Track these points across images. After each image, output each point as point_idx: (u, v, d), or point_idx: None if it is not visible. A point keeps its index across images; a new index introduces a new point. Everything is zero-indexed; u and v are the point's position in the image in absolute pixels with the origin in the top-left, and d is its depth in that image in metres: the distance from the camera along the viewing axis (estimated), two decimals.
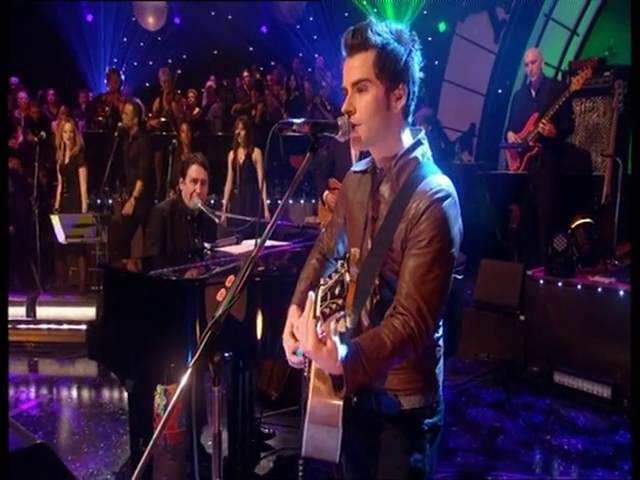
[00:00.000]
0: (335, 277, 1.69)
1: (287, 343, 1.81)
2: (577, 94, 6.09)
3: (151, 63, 10.65)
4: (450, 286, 1.66)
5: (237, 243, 3.60)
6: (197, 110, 9.04)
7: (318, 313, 1.61)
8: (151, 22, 9.97)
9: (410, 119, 1.75)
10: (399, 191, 1.69)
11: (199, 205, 3.72)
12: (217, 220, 3.77)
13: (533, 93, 5.82)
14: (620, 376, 4.51)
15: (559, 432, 4.15)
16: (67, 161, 6.92)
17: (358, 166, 1.90)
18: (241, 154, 6.55)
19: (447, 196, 1.64)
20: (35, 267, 6.99)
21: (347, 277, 1.71)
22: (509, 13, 8.41)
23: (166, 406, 4.11)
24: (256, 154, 6.49)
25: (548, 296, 5.01)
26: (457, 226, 1.67)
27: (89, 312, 5.65)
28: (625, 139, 5.92)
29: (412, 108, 1.73)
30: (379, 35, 1.63)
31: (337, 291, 1.67)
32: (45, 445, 3.32)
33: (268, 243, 3.46)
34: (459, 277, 4.72)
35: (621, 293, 4.66)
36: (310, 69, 10.13)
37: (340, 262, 1.77)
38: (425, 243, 1.61)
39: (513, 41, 8.42)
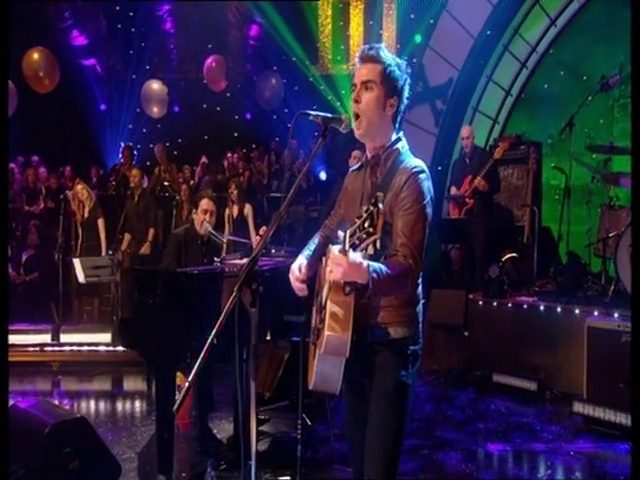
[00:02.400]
0: (364, 215, 1.73)
1: (292, 274, 2.10)
2: (501, 163, 6.79)
3: (151, 146, 11.11)
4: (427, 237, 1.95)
5: (240, 259, 3.99)
6: (192, 182, 9.53)
7: (347, 247, 1.74)
8: (155, 111, 10.56)
9: (397, 125, 2.06)
10: (386, 172, 2.00)
11: (209, 229, 4.10)
12: (224, 240, 4.15)
13: (467, 160, 6.49)
14: (543, 374, 4.93)
15: (498, 416, 4.54)
16: (87, 215, 7.21)
17: (354, 166, 2.21)
18: (234, 210, 6.92)
19: (422, 171, 1.97)
20: (55, 308, 7.14)
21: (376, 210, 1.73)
22: (446, 104, 9.31)
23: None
24: (247, 209, 6.90)
25: (486, 314, 5.48)
26: (430, 194, 1.97)
27: (106, 337, 5.90)
28: (539, 194, 6.60)
29: (399, 119, 2.05)
30: (386, 57, 1.99)
31: (367, 224, 1.72)
32: (84, 418, 3.59)
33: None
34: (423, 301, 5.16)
35: (542, 308, 5.15)
36: (287, 150, 10.73)
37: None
38: (409, 206, 1.92)
39: (449, 127, 9.25)
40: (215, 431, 4.16)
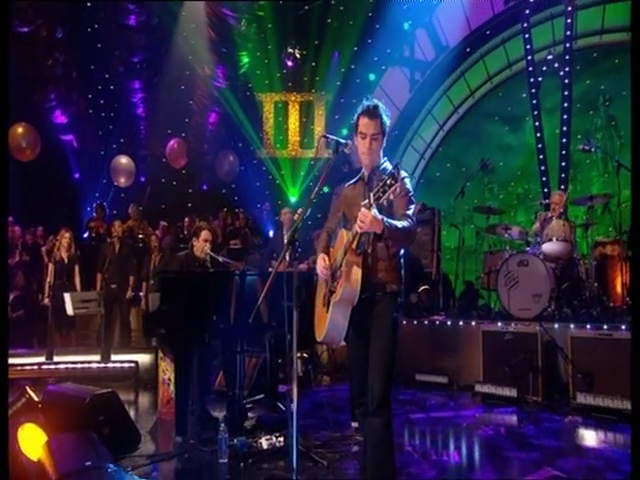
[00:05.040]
0: (386, 177, 2.17)
1: (319, 265, 2.69)
2: None
3: (115, 212, 11.44)
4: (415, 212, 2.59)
5: None
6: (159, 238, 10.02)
7: (372, 201, 2.23)
8: (122, 181, 11.04)
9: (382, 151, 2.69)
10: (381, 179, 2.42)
11: (208, 251, 4.71)
12: (220, 260, 4.83)
13: None
14: (451, 372, 5.88)
15: (420, 400, 5.41)
16: (66, 261, 7.56)
17: (351, 181, 2.77)
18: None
19: (406, 176, 2.56)
20: (38, 341, 7.20)
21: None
22: None
23: None
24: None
25: (408, 331, 6.35)
26: (412, 189, 2.58)
27: (95, 357, 6.21)
28: (440, 245, 7.88)
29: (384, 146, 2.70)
30: (382, 111, 2.64)
31: (389, 181, 2.18)
32: (115, 392, 4.05)
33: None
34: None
35: (449, 324, 6.17)
36: (237, 220, 11.41)
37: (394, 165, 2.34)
38: (404, 194, 2.51)
39: None
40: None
